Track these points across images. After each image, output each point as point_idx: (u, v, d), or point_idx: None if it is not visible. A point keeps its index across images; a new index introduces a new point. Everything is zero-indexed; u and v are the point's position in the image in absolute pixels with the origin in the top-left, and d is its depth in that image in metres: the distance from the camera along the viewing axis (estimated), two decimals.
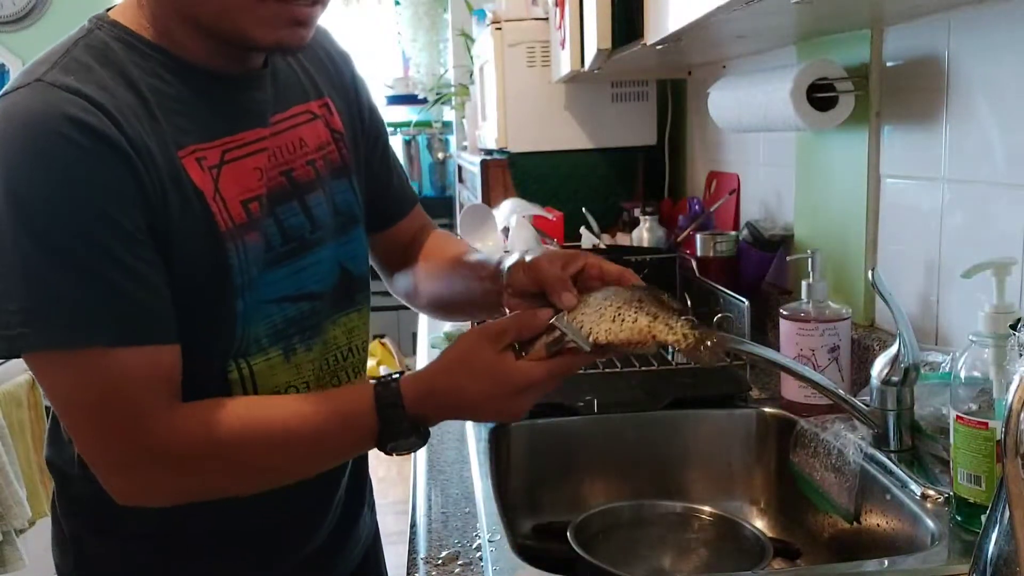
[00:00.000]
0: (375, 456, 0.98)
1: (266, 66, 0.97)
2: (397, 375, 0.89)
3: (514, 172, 2.50)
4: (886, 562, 0.93)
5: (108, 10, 0.92)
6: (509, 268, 0.95)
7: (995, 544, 0.68)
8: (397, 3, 4.98)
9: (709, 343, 0.87)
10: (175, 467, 0.86)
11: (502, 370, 0.85)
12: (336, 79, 1.07)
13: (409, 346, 4.79)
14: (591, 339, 0.85)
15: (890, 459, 1.10)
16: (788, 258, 1.67)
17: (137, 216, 0.82)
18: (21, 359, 0.84)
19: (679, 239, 1.95)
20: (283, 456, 0.89)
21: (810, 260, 1.34)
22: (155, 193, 0.84)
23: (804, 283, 1.34)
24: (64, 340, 0.81)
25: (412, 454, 0.92)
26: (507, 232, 2.16)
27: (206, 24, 0.87)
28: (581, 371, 1.46)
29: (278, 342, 0.96)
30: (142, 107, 0.85)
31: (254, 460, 0.89)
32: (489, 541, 0.97)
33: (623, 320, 0.86)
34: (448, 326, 1.89)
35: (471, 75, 3.30)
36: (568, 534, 1.04)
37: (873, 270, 1.11)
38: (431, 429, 0.90)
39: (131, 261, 0.82)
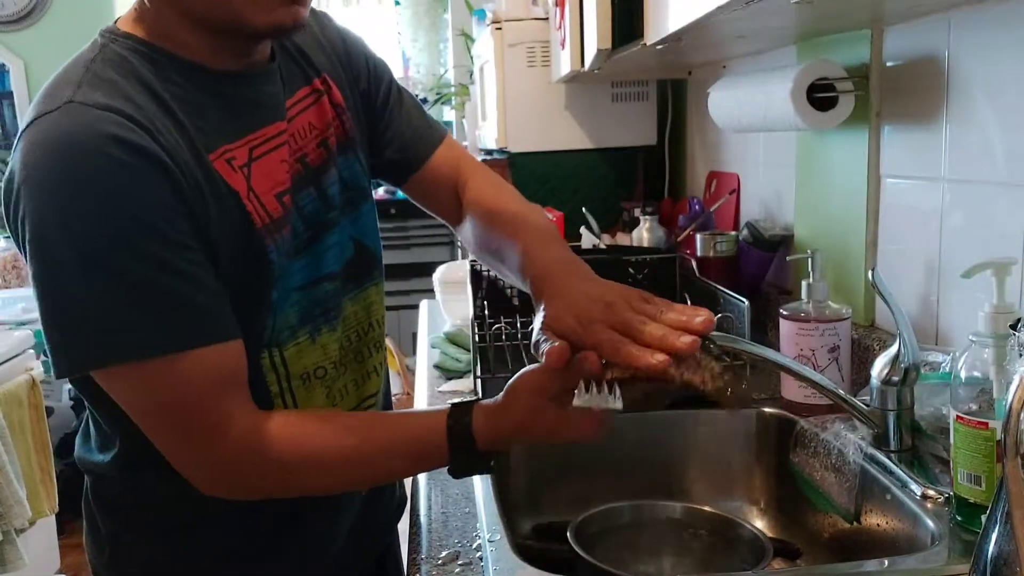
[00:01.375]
0: None
1: (273, 60, 0.98)
2: (466, 417, 0.90)
3: (514, 172, 2.51)
4: (886, 562, 0.93)
5: (115, 22, 0.93)
6: (545, 306, 0.92)
7: (995, 544, 0.68)
8: (397, 3, 4.98)
9: (732, 390, 0.85)
10: (254, 468, 0.89)
11: (551, 416, 0.89)
12: (327, 47, 1.06)
13: (409, 346, 4.79)
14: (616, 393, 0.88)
15: (890, 459, 1.10)
16: (788, 258, 1.67)
17: (182, 224, 0.84)
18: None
19: (679, 239, 1.95)
20: (354, 475, 0.95)
21: (810, 260, 1.34)
22: (195, 199, 0.86)
23: (804, 283, 1.34)
24: (131, 354, 0.83)
25: None
26: None
27: (201, 14, 0.88)
28: None
29: (305, 325, 0.98)
30: (168, 116, 0.87)
31: (324, 478, 0.93)
32: (489, 541, 0.97)
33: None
34: (448, 326, 1.90)
35: (471, 75, 3.31)
36: (568, 534, 1.04)
37: (873, 270, 1.11)
38: None
39: (184, 267, 0.84)
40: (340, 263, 1.02)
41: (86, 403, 0.97)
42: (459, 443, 0.89)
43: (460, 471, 0.92)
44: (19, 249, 0.86)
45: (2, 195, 0.86)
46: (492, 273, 1.82)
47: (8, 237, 3.90)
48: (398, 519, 1.22)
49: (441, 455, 0.90)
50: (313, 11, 1.04)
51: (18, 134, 0.86)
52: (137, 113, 0.84)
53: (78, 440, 1.05)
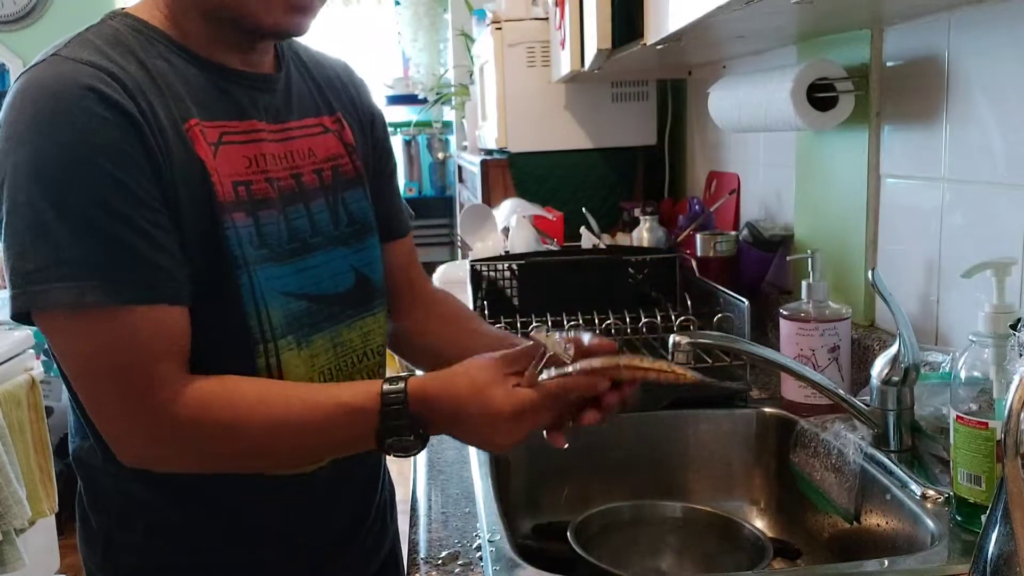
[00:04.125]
0: None
1: (279, 70, 1.03)
2: (406, 375, 0.91)
3: (514, 172, 2.51)
4: (886, 562, 0.93)
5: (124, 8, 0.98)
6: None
7: (995, 544, 0.68)
8: (397, 3, 4.98)
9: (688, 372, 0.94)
10: (180, 434, 0.88)
11: (500, 391, 0.88)
12: (354, 105, 1.12)
13: None
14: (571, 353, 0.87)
15: (890, 459, 1.10)
16: (788, 258, 1.67)
17: (148, 183, 0.87)
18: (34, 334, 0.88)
19: (679, 239, 1.95)
20: (284, 437, 0.91)
21: (810, 260, 1.34)
22: (164, 161, 0.88)
23: (804, 283, 1.34)
24: (74, 298, 0.83)
25: (411, 456, 0.93)
26: (507, 232, 2.16)
27: (214, 5, 0.93)
28: None
29: (292, 332, 0.99)
30: (151, 82, 0.90)
31: (257, 438, 0.90)
32: (489, 541, 0.97)
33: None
34: None
35: (471, 75, 3.30)
36: (568, 534, 1.04)
37: (873, 270, 1.11)
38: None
39: (142, 224, 0.85)
40: (337, 289, 1.03)
41: (67, 390, 0.96)
42: (390, 395, 0.88)
43: (387, 431, 0.88)
44: None
45: None
46: (493, 273, 1.83)
47: None
48: (392, 511, 1.21)
49: (373, 414, 0.88)
50: (346, 66, 1.15)
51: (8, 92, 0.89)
52: (118, 71, 0.88)
53: (71, 433, 1.04)
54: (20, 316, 0.86)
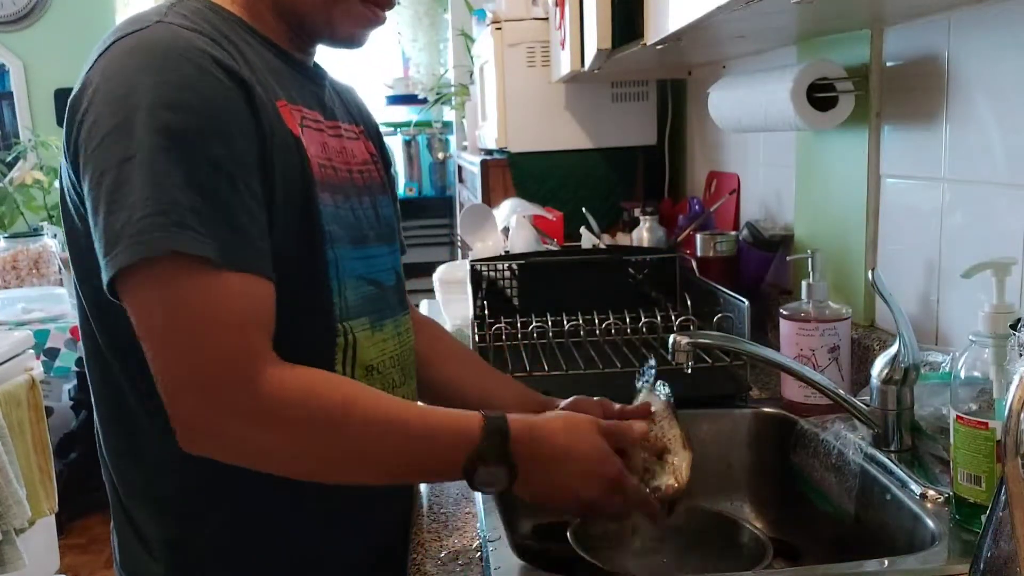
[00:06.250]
0: None
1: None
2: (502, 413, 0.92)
3: (514, 172, 2.51)
4: (886, 562, 0.93)
5: None
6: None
7: (995, 544, 0.68)
8: (397, 3, 4.97)
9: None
10: (277, 416, 0.83)
11: (606, 454, 0.93)
12: (369, 124, 1.16)
13: None
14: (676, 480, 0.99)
15: (890, 459, 1.10)
16: (788, 258, 1.67)
17: (254, 150, 0.87)
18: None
19: (679, 239, 1.95)
20: (388, 440, 0.87)
21: (810, 260, 1.34)
22: (268, 132, 0.89)
23: (804, 283, 1.34)
24: (182, 245, 0.80)
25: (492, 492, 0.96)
26: (507, 232, 2.16)
27: (299, 6, 0.96)
28: (580, 371, 1.48)
29: (366, 313, 1.00)
30: (242, 57, 0.91)
31: (360, 438, 0.86)
32: (489, 541, 0.97)
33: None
34: (448, 327, 1.89)
35: (471, 75, 3.30)
36: (568, 535, 1.04)
37: (873, 270, 1.11)
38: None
39: (246, 193, 0.85)
40: (387, 281, 1.06)
41: (140, 332, 0.85)
42: (493, 421, 0.88)
43: (481, 455, 0.87)
44: (71, 155, 0.86)
45: (68, 110, 0.87)
46: (493, 273, 1.83)
47: (8, 237, 3.87)
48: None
49: (471, 434, 0.87)
50: (354, 90, 1.19)
51: (94, 59, 0.87)
52: (222, 41, 0.89)
53: (114, 440, 0.99)
54: (117, 277, 0.81)
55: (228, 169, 0.83)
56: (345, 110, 1.11)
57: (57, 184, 4.41)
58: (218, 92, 0.84)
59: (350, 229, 0.99)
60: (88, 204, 0.84)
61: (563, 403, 1.09)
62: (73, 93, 0.88)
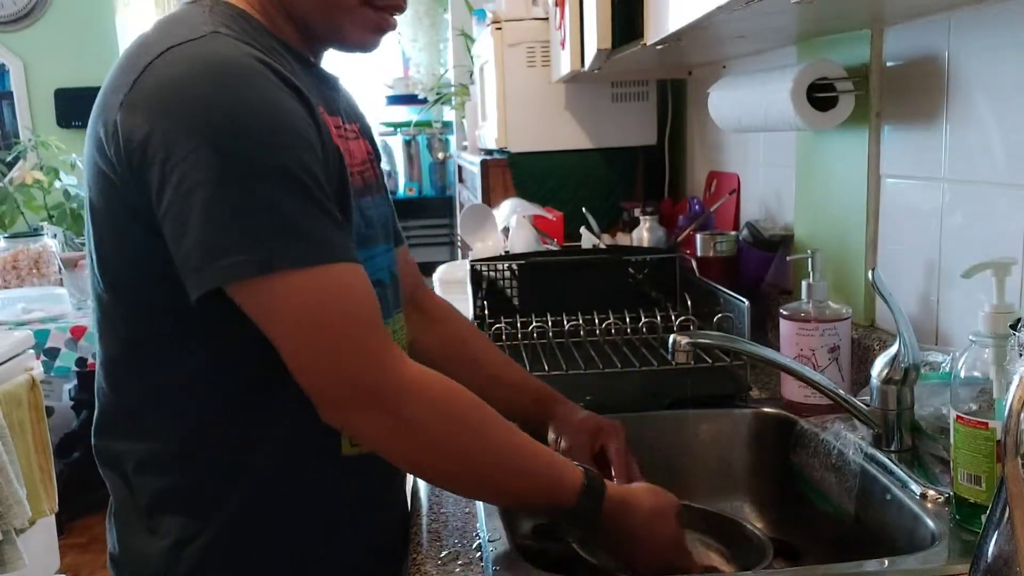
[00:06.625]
0: None
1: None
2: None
3: (514, 172, 2.51)
4: (886, 562, 0.93)
5: None
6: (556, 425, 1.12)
7: (995, 544, 0.68)
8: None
9: None
10: (406, 402, 0.86)
11: (680, 545, 0.99)
12: (362, 120, 1.15)
13: None
14: None
15: (890, 459, 1.10)
16: (788, 258, 1.67)
17: (322, 158, 0.88)
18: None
19: (679, 239, 1.95)
20: (508, 462, 0.92)
21: (810, 260, 1.34)
22: (324, 141, 0.90)
23: (804, 283, 1.34)
24: (303, 258, 0.83)
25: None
26: (507, 232, 2.16)
27: (305, 14, 0.97)
28: (581, 371, 1.48)
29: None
30: (290, 68, 0.92)
31: (490, 453, 0.91)
32: (489, 541, 0.97)
33: None
34: None
35: (471, 75, 3.30)
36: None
37: (873, 270, 1.11)
38: None
39: (330, 192, 0.88)
40: (384, 279, 1.06)
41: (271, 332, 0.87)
42: (591, 484, 0.93)
43: (578, 516, 0.93)
44: (123, 158, 0.84)
45: (122, 112, 0.84)
46: (493, 273, 1.83)
47: (8, 237, 3.85)
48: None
49: (567, 494, 0.92)
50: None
51: (143, 68, 0.85)
52: (269, 52, 0.90)
53: (141, 449, 0.98)
54: (210, 293, 0.83)
55: (317, 175, 0.86)
56: (346, 109, 1.11)
57: (57, 184, 4.39)
58: (291, 105, 0.86)
59: (361, 231, 1.00)
60: (168, 213, 0.83)
61: (583, 414, 1.15)
62: (120, 97, 0.85)
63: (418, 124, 5.03)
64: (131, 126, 0.84)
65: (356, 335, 0.86)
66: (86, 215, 0.95)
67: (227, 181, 0.81)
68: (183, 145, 0.81)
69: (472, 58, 3.23)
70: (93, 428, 1.02)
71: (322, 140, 0.89)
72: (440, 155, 5.18)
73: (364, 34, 0.99)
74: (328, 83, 1.05)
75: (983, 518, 0.72)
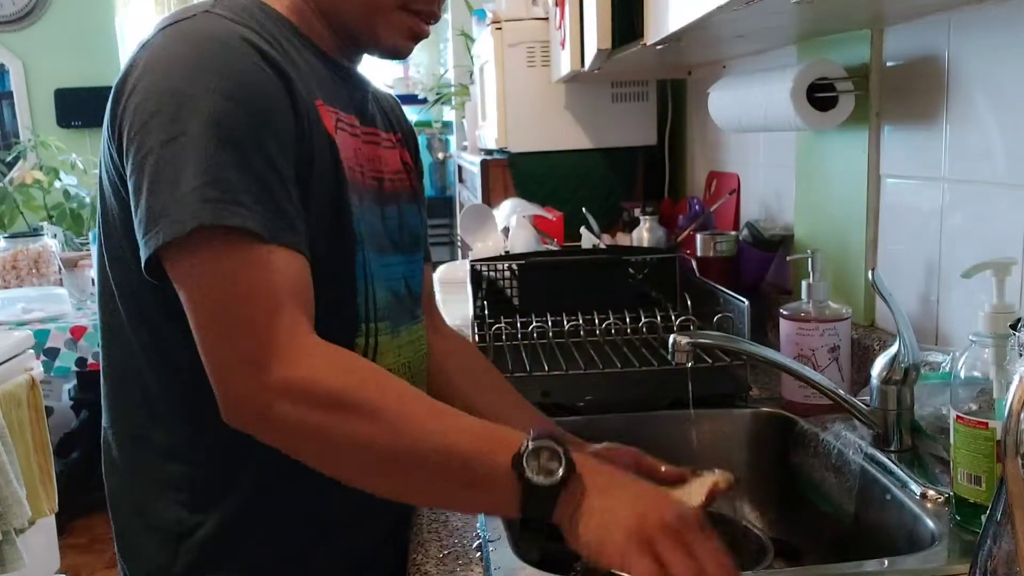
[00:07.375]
0: None
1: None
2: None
3: (514, 172, 2.51)
4: (886, 562, 0.93)
5: None
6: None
7: (995, 544, 0.68)
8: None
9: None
10: (307, 394, 0.81)
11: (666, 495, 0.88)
12: (407, 134, 1.17)
13: None
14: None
15: (890, 459, 1.10)
16: (788, 258, 1.67)
17: (291, 141, 0.88)
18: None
19: (679, 239, 1.95)
20: (430, 440, 0.81)
21: (810, 260, 1.34)
22: (306, 128, 0.90)
23: (804, 283, 1.34)
24: (233, 219, 0.81)
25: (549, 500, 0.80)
26: (507, 232, 2.16)
27: (340, 15, 0.98)
28: (580, 371, 1.48)
29: (387, 318, 1.01)
30: (285, 54, 0.92)
31: (407, 435, 0.81)
32: (489, 541, 0.97)
33: None
34: None
35: (471, 75, 3.30)
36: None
37: (873, 270, 1.11)
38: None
39: (289, 181, 0.87)
40: (398, 290, 1.06)
41: (189, 307, 0.85)
42: (541, 432, 0.80)
43: (540, 447, 0.79)
44: (115, 137, 0.87)
45: (113, 93, 0.88)
46: (493, 273, 1.83)
47: (8, 237, 3.86)
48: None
49: (519, 438, 0.80)
50: (399, 104, 1.20)
51: (139, 47, 0.89)
52: (267, 36, 0.91)
53: (164, 441, 0.98)
54: (159, 253, 0.82)
55: (272, 155, 0.85)
56: (385, 118, 1.12)
57: (56, 184, 4.39)
58: (263, 81, 0.86)
59: (375, 236, 1.00)
60: (131, 183, 0.85)
61: (595, 447, 1.04)
62: (118, 78, 0.89)
63: (418, 124, 5.02)
64: (120, 101, 0.87)
65: (250, 317, 0.82)
66: (98, 217, 0.98)
67: (171, 144, 0.82)
68: (144, 110, 0.84)
69: (472, 58, 3.23)
70: (103, 420, 1.03)
71: (300, 124, 0.89)
72: (440, 155, 5.18)
73: (398, 38, 1.00)
74: (353, 82, 1.04)
75: (983, 518, 0.72)
